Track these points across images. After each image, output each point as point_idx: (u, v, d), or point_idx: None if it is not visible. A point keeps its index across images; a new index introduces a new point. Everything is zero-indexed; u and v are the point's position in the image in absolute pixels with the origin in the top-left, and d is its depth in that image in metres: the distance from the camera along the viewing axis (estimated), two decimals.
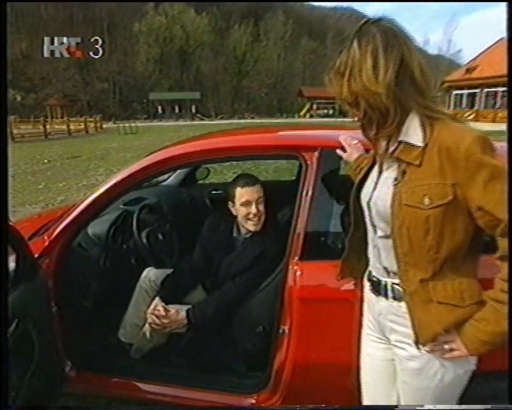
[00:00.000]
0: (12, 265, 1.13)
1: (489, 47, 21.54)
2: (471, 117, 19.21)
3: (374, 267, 0.90)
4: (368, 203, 0.85)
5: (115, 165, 7.93)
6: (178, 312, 1.44)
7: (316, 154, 1.22)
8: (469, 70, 22.13)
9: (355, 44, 0.74)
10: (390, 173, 0.80)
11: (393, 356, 0.90)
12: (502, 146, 0.84)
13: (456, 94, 22.86)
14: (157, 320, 1.43)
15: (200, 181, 2.63)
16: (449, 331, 0.76)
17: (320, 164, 1.21)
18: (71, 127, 19.78)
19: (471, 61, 23.21)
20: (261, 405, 1.30)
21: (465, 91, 22.33)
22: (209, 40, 48.84)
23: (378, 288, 0.88)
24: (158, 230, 1.79)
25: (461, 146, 0.68)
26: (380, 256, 0.86)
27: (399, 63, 0.72)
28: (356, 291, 1.04)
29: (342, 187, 1.09)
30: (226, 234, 1.58)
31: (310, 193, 1.19)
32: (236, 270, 1.47)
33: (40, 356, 1.17)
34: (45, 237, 1.38)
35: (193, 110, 40.34)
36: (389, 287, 0.85)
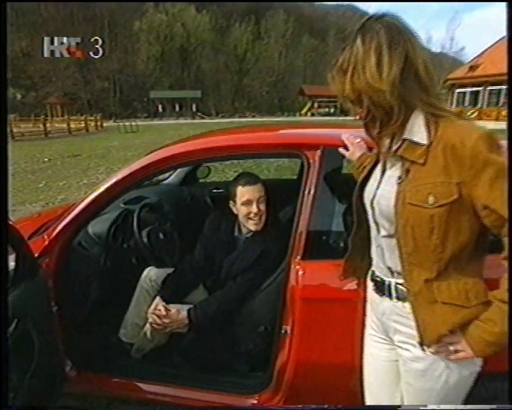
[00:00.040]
0: (11, 264, 1.12)
1: (492, 45, 21.40)
2: (474, 115, 19.13)
3: (377, 267, 0.89)
4: (371, 202, 0.84)
5: (115, 164, 7.92)
6: (179, 311, 1.43)
7: (318, 152, 1.21)
8: (472, 68, 22.04)
9: (358, 41, 0.73)
10: (394, 172, 0.79)
11: (397, 356, 0.89)
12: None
13: (459, 92, 22.77)
14: (158, 320, 1.42)
15: (201, 180, 2.62)
16: (454, 332, 0.75)
17: (322, 162, 1.20)
18: (72, 125, 19.75)
19: (474, 58, 23.10)
20: (262, 406, 1.29)
21: (468, 89, 22.23)
22: (210, 38, 48.72)
23: (382, 288, 0.87)
24: (159, 229, 1.78)
25: (467, 144, 0.67)
26: (384, 256, 0.85)
27: (403, 60, 0.71)
28: (359, 291, 1.03)
29: (344, 186, 1.08)
30: (227, 233, 1.57)
31: (312, 192, 1.18)
32: (237, 270, 1.46)
33: (40, 356, 1.17)
34: (45, 236, 1.37)
35: (194, 109, 40.28)
36: (393, 287, 0.84)
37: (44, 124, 17.79)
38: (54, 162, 8.87)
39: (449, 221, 0.71)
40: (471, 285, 0.75)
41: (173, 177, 2.43)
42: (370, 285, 0.94)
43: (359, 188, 0.90)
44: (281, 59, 51.78)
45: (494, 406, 0.99)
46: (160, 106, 40.58)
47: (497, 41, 21.00)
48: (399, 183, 0.76)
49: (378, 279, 0.89)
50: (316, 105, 40.99)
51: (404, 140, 0.76)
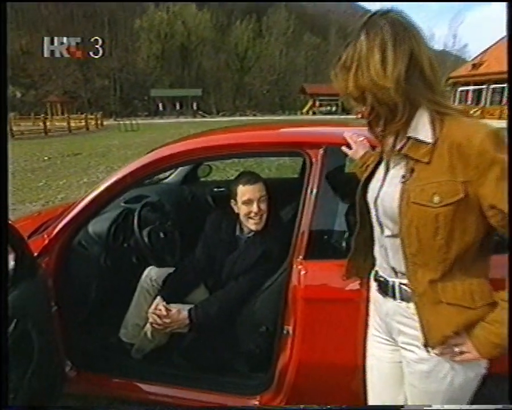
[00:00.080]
0: (11, 264, 1.11)
1: (496, 42, 21.19)
2: (477, 113, 19.03)
3: (381, 267, 0.88)
4: (375, 202, 0.83)
5: (116, 163, 7.91)
6: (180, 311, 1.42)
7: (321, 151, 1.20)
8: (475, 66, 21.90)
9: (362, 37, 0.72)
10: (397, 171, 0.78)
11: (400, 358, 0.88)
12: None
13: (462, 91, 22.60)
14: (158, 320, 1.42)
15: (202, 179, 2.61)
16: (459, 333, 0.74)
17: (325, 161, 1.19)
18: (72, 124, 19.71)
19: (477, 56, 22.96)
20: (263, 406, 1.29)
21: (471, 88, 22.07)
22: (211, 36, 48.63)
23: (385, 288, 0.86)
24: (159, 228, 1.78)
25: (473, 142, 0.66)
26: (388, 256, 0.84)
27: (408, 57, 0.70)
28: (362, 291, 1.02)
29: (347, 185, 1.07)
30: (229, 232, 1.56)
31: (314, 191, 1.17)
32: (239, 270, 1.45)
33: (40, 356, 1.16)
34: (45, 236, 1.36)
35: (195, 107, 40.23)
36: (397, 288, 0.83)
37: (44, 123, 17.75)
38: (54, 160, 8.85)
39: (454, 221, 0.70)
40: (476, 286, 0.74)
41: (173, 176, 2.42)
42: (373, 285, 0.93)
43: (362, 187, 0.89)
44: (282, 57, 51.66)
45: (499, 406, 0.98)
46: (160, 105, 40.53)
47: (501, 39, 20.77)
48: (403, 182, 0.75)
49: (381, 279, 0.88)
50: (317, 103, 40.85)
51: (409, 138, 0.75)
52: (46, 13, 41.80)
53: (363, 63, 0.71)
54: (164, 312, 1.41)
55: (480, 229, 0.72)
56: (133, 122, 20.48)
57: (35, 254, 1.26)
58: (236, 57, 49.56)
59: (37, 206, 4.76)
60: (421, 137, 0.72)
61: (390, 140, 0.79)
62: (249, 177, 1.47)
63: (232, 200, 1.51)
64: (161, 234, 1.76)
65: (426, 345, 0.77)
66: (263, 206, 1.45)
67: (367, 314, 0.99)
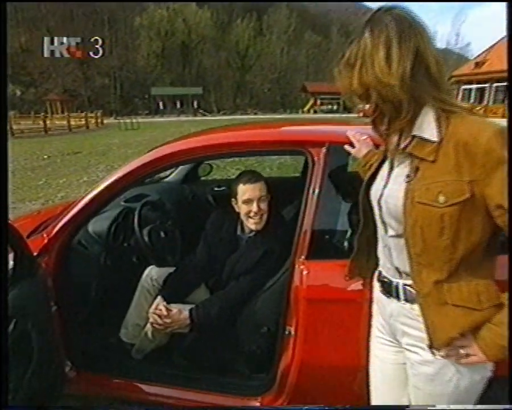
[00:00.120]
0: (10, 263, 1.11)
1: (499, 41, 21.06)
2: (480, 112, 19.00)
3: (384, 268, 0.87)
4: (378, 201, 0.82)
5: (116, 162, 7.90)
6: (181, 312, 1.41)
7: (323, 149, 1.18)
8: (478, 64, 21.75)
9: (367, 34, 0.71)
10: (402, 170, 0.77)
11: (404, 359, 0.87)
12: None
13: (464, 89, 22.43)
14: (159, 320, 1.41)
15: (203, 178, 2.59)
16: (465, 335, 0.73)
17: (327, 160, 1.18)
18: (72, 122, 19.69)
19: (480, 54, 22.80)
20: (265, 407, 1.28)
21: (474, 86, 21.92)
22: (211, 34, 48.52)
23: (389, 289, 0.85)
24: (160, 227, 1.76)
25: (480, 140, 0.65)
26: (392, 256, 0.83)
27: (413, 54, 0.69)
28: (365, 291, 1.01)
29: (350, 184, 1.06)
30: (230, 232, 1.54)
31: (317, 190, 1.16)
32: (240, 270, 1.44)
33: (39, 356, 1.15)
34: (45, 235, 1.35)
35: (195, 106, 40.20)
36: (401, 289, 0.82)
37: (44, 121, 17.74)
38: (54, 159, 8.84)
39: (460, 221, 0.69)
40: (483, 287, 0.73)
41: (174, 175, 2.41)
42: (376, 285, 0.92)
43: (366, 186, 0.88)
44: (283, 55, 51.54)
45: (507, 406, 0.97)
46: (161, 103, 40.51)
47: (504, 37, 20.68)
48: (408, 182, 0.74)
49: (385, 279, 0.87)
50: (318, 102, 40.79)
51: (414, 137, 0.74)
52: (46, 11, 41.69)
53: (367, 60, 0.70)
54: (164, 312, 1.40)
55: (486, 229, 0.71)
56: (134, 120, 20.43)
57: (35, 253, 1.25)
58: (237, 55, 49.47)
59: (37, 205, 4.75)
60: (426, 136, 0.71)
61: (394, 138, 0.78)
62: (249, 176, 1.46)
63: (233, 199, 1.50)
64: (162, 234, 1.74)
65: (431, 347, 0.76)
66: (263, 205, 1.43)
67: (369, 315, 0.98)
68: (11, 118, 18.07)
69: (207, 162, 2.46)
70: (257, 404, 1.29)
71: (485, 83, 21.01)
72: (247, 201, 1.42)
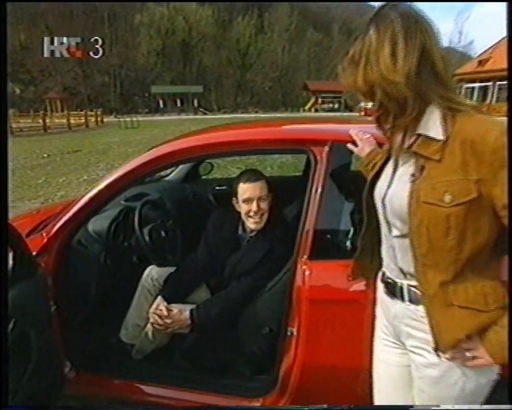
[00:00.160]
0: (9, 263, 1.09)
1: (502, 39, 21.01)
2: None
3: (388, 268, 0.86)
4: (382, 200, 0.81)
5: (116, 160, 7.89)
6: (181, 312, 1.41)
7: (326, 148, 1.17)
8: (481, 63, 21.64)
9: (372, 30, 0.70)
10: (406, 169, 0.76)
11: (409, 362, 0.86)
12: None
13: (467, 88, 22.27)
14: (159, 320, 1.40)
15: (203, 177, 2.58)
16: (471, 337, 0.71)
17: (330, 159, 1.16)
18: (72, 121, 19.67)
19: (483, 53, 22.71)
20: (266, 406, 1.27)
21: (477, 85, 21.78)
22: (212, 32, 48.36)
23: (393, 290, 0.84)
24: (161, 226, 1.75)
25: (488, 139, 0.64)
26: (396, 256, 0.81)
27: (419, 51, 0.68)
28: (368, 292, 1.00)
29: (352, 183, 1.05)
30: (231, 231, 1.53)
31: (319, 189, 1.15)
32: (241, 270, 1.43)
33: (39, 357, 1.14)
34: (44, 234, 1.34)
35: (195, 104, 40.17)
36: (405, 290, 0.81)
37: (44, 120, 17.74)
38: (53, 157, 8.83)
39: (466, 221, 0.68)
40: (489, 288, 0.72)
41: (174, 173, 2.40)
42: (380, 286, 0.91)
43: (370, 185, 0.87)
44: (284, 54, 51.39)
45: (507, 406, 0.96)
46: (161, 101, 40.49)
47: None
48: (413, 181, 0.72)
49: (389, 280, 0.85)
50: (319, 100, 40.74)
51: (419, 135, 0.73)
52: (45, 8, 41.53)
53: (372, 57, 0.69)
54: (165, 313, 1.39)
55: (493, 229, 0.70)
56: (134, 119, 20.41)
57: (34, 253, 1.24)
58: (238, 53, 49.35)
59: (37, 204, 4.74)
60: (431, 134, 0.70)
61: (399, 137, 0.77)
62: (250, 175, 1.45)
63: (233, 198, 1.49)
64: (162, 233, 1.73)
65: (436, 349, 0.74)
66: (263, 205, 1.42)
67: (373, 316, 0.97)
68: (10, 117, 18.09)
69: (208, 161, 2.45)
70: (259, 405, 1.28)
71: (488, 82, 20.89)
72: (247, 201, 1.41)
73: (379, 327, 0.95)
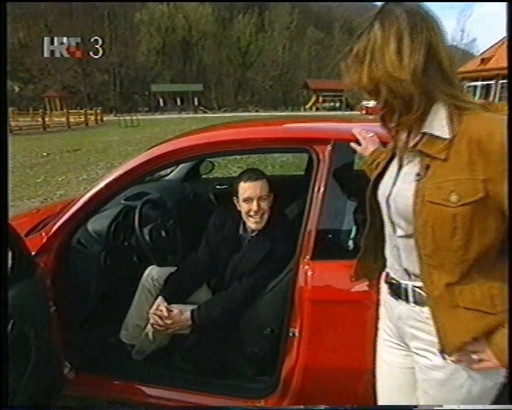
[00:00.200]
0: (8, 262, 1.08)
1: (505, 37, 21.11)
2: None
3: (392, 269, 0.85)
4: (387, 200, 0.80)
5: (116, 159, 7.88)
6: (182, 312, 1.39)
7: (329, 147, 1.16)
8: (483, 61, 21.56)
9: (377, 26, 0.69)
10: (411, 168, 0.75)
11: (413, 363, 0.84)
12: None
13: (469, 86, 22.17)
14: (159, 321, 1.39)
15: (204, 176, 2.57)
16: (478, 339, 0.70)
17: (333, 158, 1.15)
18: (71, 119, 19.66)
19: (486, 51, 22.63)
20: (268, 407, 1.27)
21: (479, 83, 21.70)
22: (212, 30, 48.25)
23: (398, 291, 0.82)
24: (161, 226, 1.74)
25: (495, 137, 0.63)
26: (400, 257, 0.80)
27: (426, 48, 0.66)
28: (371, 293, 0.99)
29: (356, 183, 1.04)
30: (232, 231, 1.52)
31: (322, 189, 1.14)
32: (243, 270, 1.42)
33: (38, 358, 1.13)
34: (43, 234, 1.33)
35: (196, 103, 40.12)
36: (410, 291, 0.80)
37: (43, 118, 17.73)
38: (53, 156, 8.82)
39: (473, 221, 0.67)
40: (497, 290, 0.70)
41: (175, 173, 2.38)
42: (384, 287, 0.90)
43: (373, 185, 0.86)
44: (285, 52, 51.26)
45: (507, 406, 0.95)
46: (161, 100, 40.46)
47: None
48: (418, 180, 0.71)
49: (393, 281, 0.84)
50: (320, 99, 40.67)
51: (424, 134, 0.72)
52: (45, 6, 41.40)
53: (377, 54, 0.68)
54: (165, 313, 1.38)
55: (500, 229, 0.68)
56: (134, 117, 20.42)
57: (33, 252, 1.23)
58: (239, 51, 49.24)
59: (36, 203, 4.73)
60: (437, 133, 0.69)
61: (404, 135, 0.76)
62: (251, 174, 1.44)
63: (234, 198, 1.48)
64: (163, 233, 1.72)
65: (442, 351, 0.73)
66: (264, 204, 1.41)
67: (376, 317, 0.96)
68: (9, 115, 18.02)
69: (208, 160, 2.43)
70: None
71: (491, 80, 20.81)
72: (247, 200, 1.40)
73: (383, 328, 0.94)
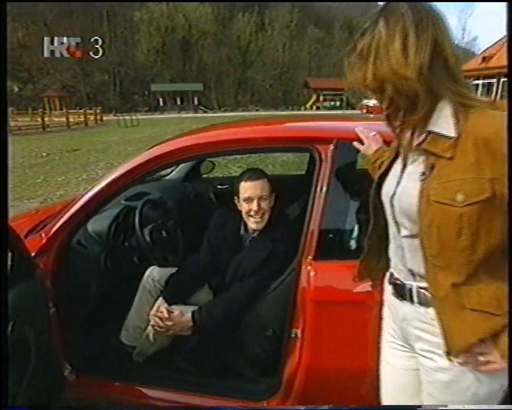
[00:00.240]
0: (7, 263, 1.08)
1: (507, 34, 21.09)
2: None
3: (397, 269, 0.84)
4: (391, 200, 0.79)
5: (115, 159, 7.87)
6: (183, 314, 1.39)
7: (331, 146, 1.15)
8: (485, 59, 21.49)
9: (381, 23, 0.68)
10: (416, 168, 0.74)
11: (417, 365, 0.83)
12: None
13: (471, 85, 22.38)
14: (160, 322, 1.38)
15: (204, 176, 2.56)
16: (485, 341, 0.69)
17: (335, 157, 1.15)
18: (71, 119, 19.63)
19: (487, 49, 22.56)
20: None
21: (481, 81, 21.60)
22: (212, 29, 48.11)
23: (402, 292, 0.81)
24: (162, 226, 1.73)
25: (502, 135, 0.62)
26: (405, 257, 0.79)
27: (431, 45, 0.65)
28: (375, 293, 0.98)
29: (359, 182, 1.03)
30: (233, 231, 1.51)
31: (324, 188, 1.13)
32: (244, 270, 1.41)
33: (38, 359, 1.13)
34: (43, 234, 1.33)
35: (196, 102, 40.07)
36: (414, 291, 0.79)
37: (42, 118, 17.70)
38: (52, 156, 8.80)
39: (480, 221, 0.66)
40: (504, 291, 0.69)
41: (175, 172, 2.37)
42: (388, 288, 0.89)
43: (377, 184, 0.85)
44: (285, 51, 51.11)
45: (507, 406, 0.94)
46: (161, 100, 40.41)
47: None
48: (423, 180, 0.70)
49: (397, 282, 0.83)
50: (321, 98, 40.65)
51: (429, 132, 0.71)
52: (44, 5, 41.31)
53: (382, 51, 0.67)
54: (166, 314, 1.37)
55: (507, 229, 0.67)
56: (134, 117, 20.43)
57: (33, 253, 1.23)
58: (239, 50, 49.15)
59: (35, 204, 4.73)
60: (442, 131, 0.68)
61: (408, 134, 0.75)
62: (251, 174, 1.44)
63: (235, 198, 1.47)
64: (163, 233, 1.71)
65: (448, 353, 0.72)
66: (264, 204, 1.40)
67: (379, 317, 0.95)
68: (9, 115, 18.00)
69: (209, 159, 2.42)
70: None
71: (492, 79, 20.74)
72: (248, 200, 1.40)
73: (386, 329, 0.93)
